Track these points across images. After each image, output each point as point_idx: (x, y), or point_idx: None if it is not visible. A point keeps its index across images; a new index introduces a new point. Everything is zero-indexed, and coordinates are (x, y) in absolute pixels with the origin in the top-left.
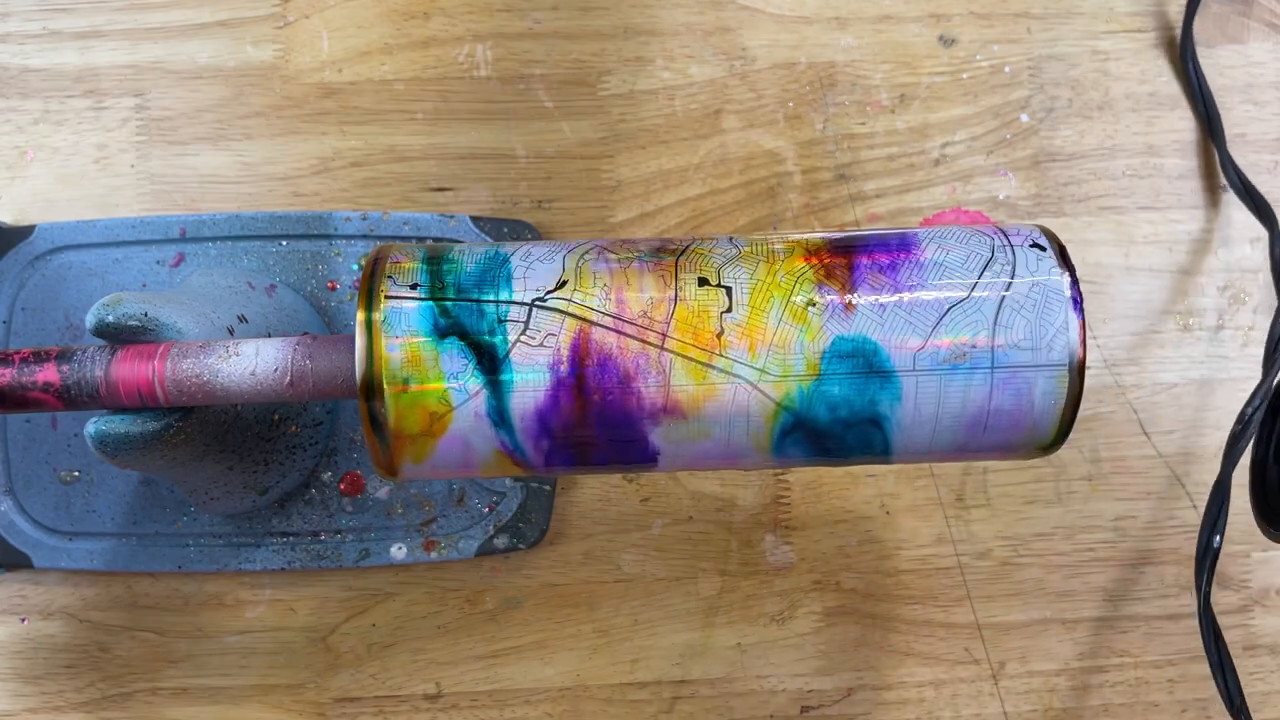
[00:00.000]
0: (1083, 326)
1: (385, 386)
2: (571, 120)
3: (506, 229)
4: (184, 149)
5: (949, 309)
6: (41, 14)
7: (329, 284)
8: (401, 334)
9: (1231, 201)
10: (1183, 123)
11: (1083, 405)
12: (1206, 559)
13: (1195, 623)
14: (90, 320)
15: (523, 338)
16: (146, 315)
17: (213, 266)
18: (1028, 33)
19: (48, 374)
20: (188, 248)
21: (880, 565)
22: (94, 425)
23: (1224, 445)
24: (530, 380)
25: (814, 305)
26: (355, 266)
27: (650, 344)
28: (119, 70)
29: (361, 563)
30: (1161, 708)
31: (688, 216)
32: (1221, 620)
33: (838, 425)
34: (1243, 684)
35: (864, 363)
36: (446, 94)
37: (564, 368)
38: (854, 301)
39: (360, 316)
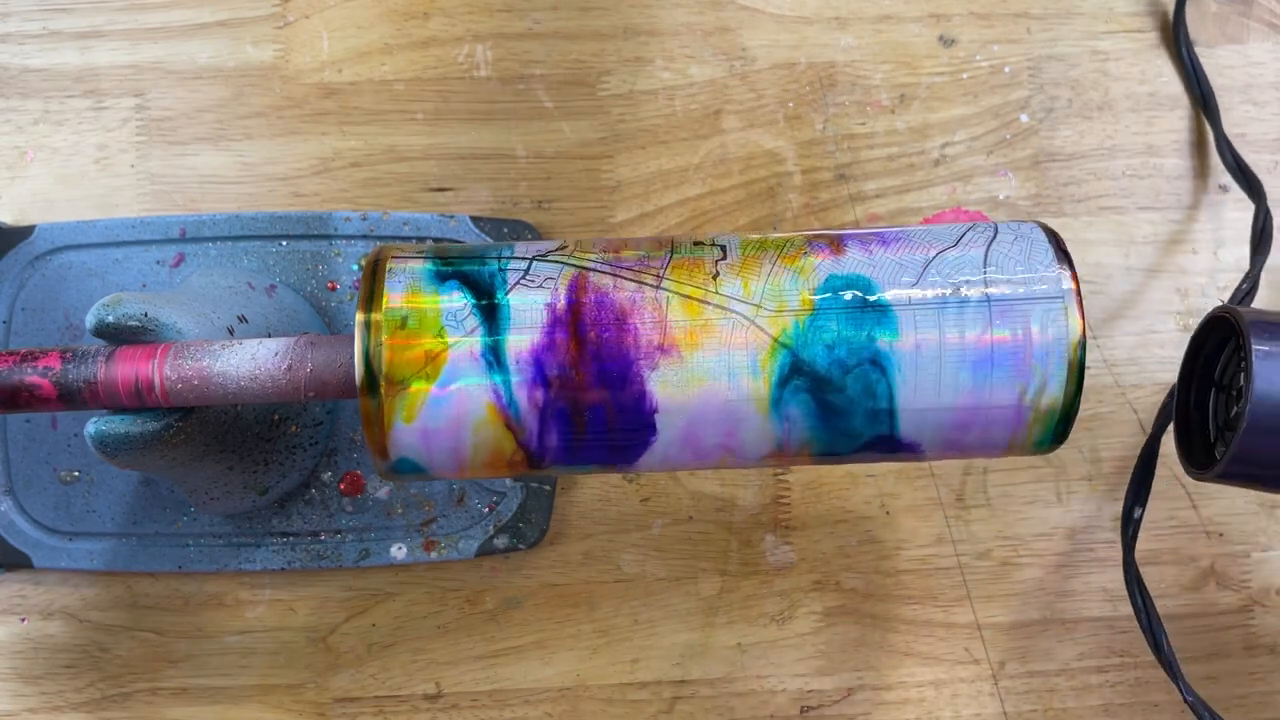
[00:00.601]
0: (1075, 278)
1: (382, 325)
2: (571, 120)
3: (506, 229)
4: (184, 149)
5: (937, 253)
6: (41, 14)
7: (329, 284)
8: (403, 280)
9: (1231, 201)
10: (1183, 122)
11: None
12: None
13: (1195, 623)
14: (90, 320)
15: (522, 281)
16: (146, 315)
17: (213, 266)
18: (1028, 33)
19: (48, 374)
20: (188, 248)
21: (880, 565)
22: (94, 425)
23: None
24: (527, 317)
25: (805, 254)
26: (355, 266)
27: (646, 284)
28: (119, 70)
29: (361, 563)
30: (1161, 708)
31: (688, 216)
32: (1221, 620)
33: (837, 368)
34: (1243, 684)
35: (858, 298)
36: (446, 94)
37: (560, 305)
38: (844, 248)
39: (360, 317)
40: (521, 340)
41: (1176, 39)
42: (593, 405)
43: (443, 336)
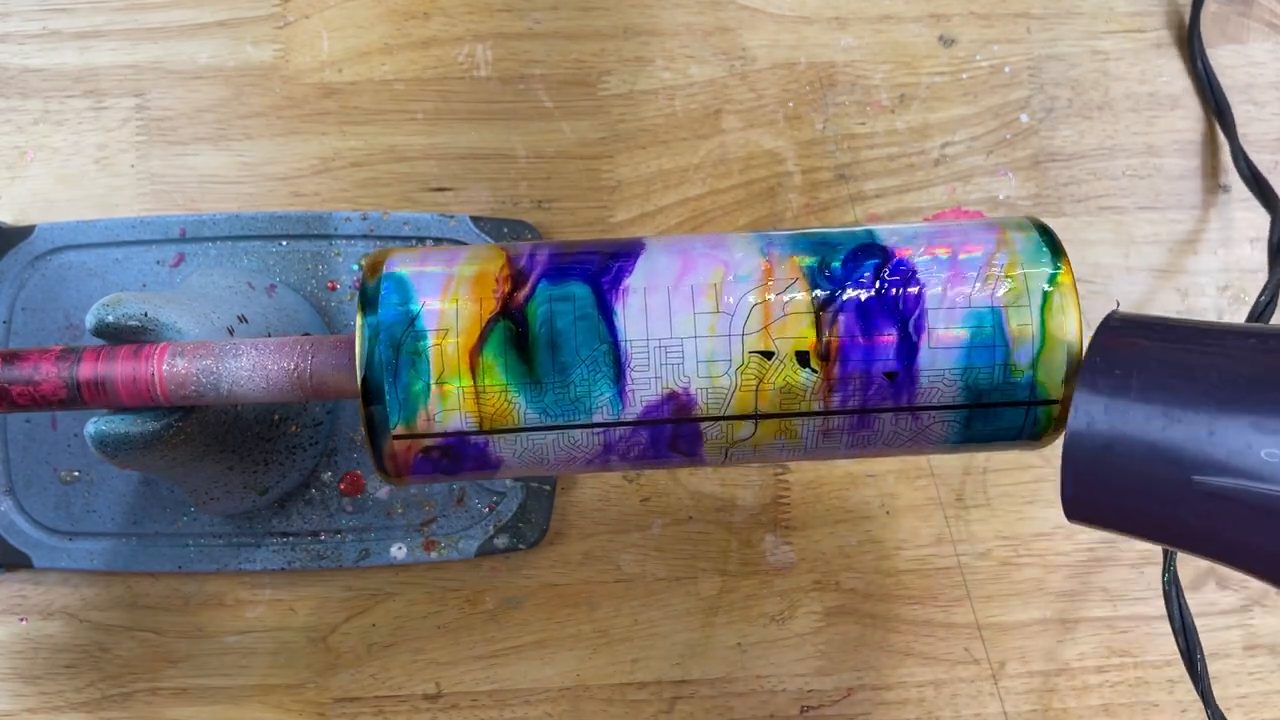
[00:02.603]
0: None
1: None
2: (571, 120)
3: (506, 229)
4: (184, 149)
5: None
6: (41, 14)
7: (329, 284)
8: None
9: (1231, 201)
10: (1183, 123)
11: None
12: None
13: (1196, 623)
14: (90, 320)
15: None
16: (146, 315)
17: (213, 266)
18: (1028, 33)
19: (48, 374)
20: (188, 248)
21: (880, 565)
22: (94, 425)
23: None
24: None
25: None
26: (355, 266)
27: None
28: (119, 70)
29: (361, 563)
30: (1161, 708)
31: (688, 216)
32: (1221, 620)
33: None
34: (1243, 684)
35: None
36: (446, 94)
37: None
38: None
39: (360, 318)
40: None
41: (1191, 50)
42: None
43: None
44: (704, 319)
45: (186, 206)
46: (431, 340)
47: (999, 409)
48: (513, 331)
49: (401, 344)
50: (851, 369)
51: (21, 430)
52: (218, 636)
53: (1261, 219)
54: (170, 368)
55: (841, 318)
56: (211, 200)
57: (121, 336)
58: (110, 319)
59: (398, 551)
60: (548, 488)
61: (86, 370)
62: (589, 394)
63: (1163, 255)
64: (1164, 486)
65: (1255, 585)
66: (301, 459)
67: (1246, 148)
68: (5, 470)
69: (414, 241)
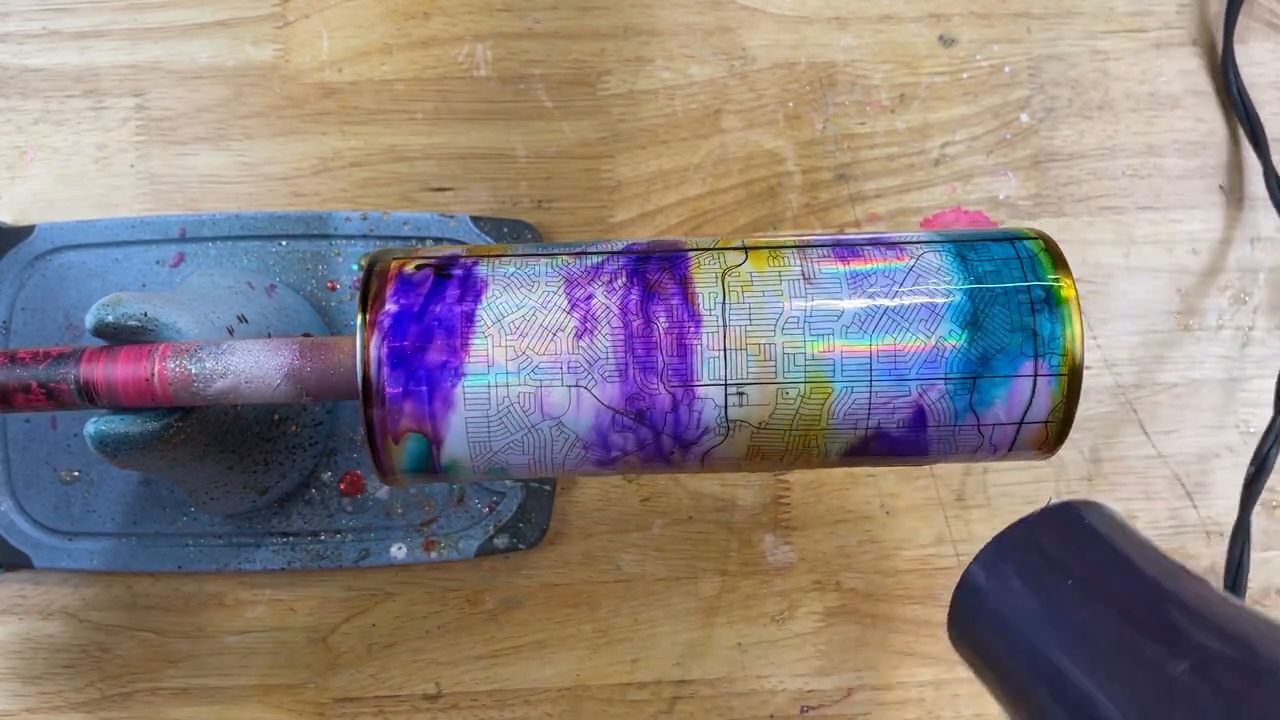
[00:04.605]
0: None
1: None
2: (571, 120)
3: (506, 229)
4: (184, 149)
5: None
6: (41, 14)
7: (329, 284)
8: None
9: (1231, 201)
10: (1183, 123)
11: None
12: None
13: None
14: (90, 320)
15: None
16: (146, 315)
17: (213, 266)
18: (1028, 33)
19: (47, 374)
20: (188, 248)
21: (880, 565)
22: (94, 425)
23: (1241, 484)
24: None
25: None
26: (355, 266)
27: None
28: (119, 70)
29: (361, 563)
30: None
31: (688, 216)
32: None
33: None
34: None
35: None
36: (446, 94)
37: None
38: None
39: (360, 318)
40: None
41: (1226, 79)
42: None
43: None
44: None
45: (186, 206)
46: None
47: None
48: None
49: None
50: None
51: (21, 430)
52: (218, 636)
53: (1262, 219)
54: (170, 368)
55: None
56: (211, 200)
57: (121, 336)
58: (110, 319)
59: (398, 551)
60: (548, 488)
61: (86, 370)
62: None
63: (1163, 255)
64: (1008, 666)
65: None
66: (301, 459)
67: (1246, 148)
68: (5, 470)
69: (414, 241)
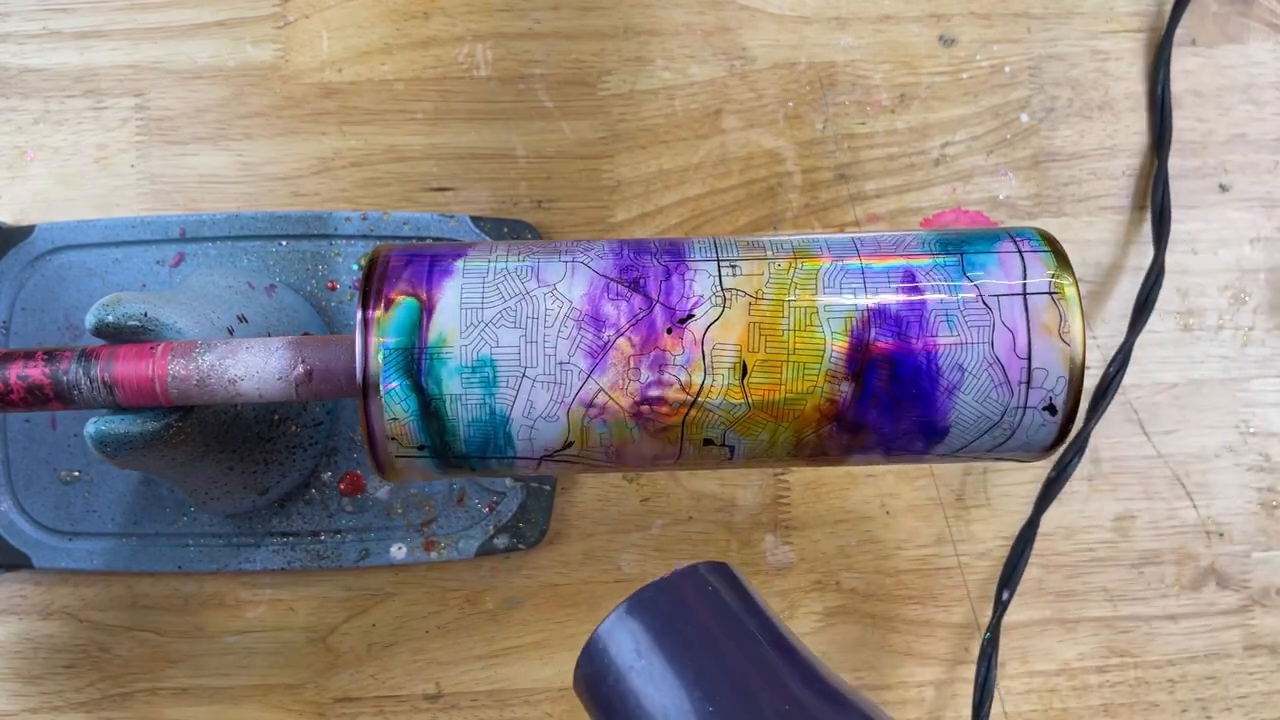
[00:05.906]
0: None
1: None
2: (571, 120)
3: (506, 229)
4: (184, 149)
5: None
6: (41, 14)
7: (329, 284)
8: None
9: (1231, 201)
10: (1183, 122)
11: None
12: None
13: (1195, 623)
14: (90, 320)
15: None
16: (146, 315)
17: (213, 266)
18: (1028, 33)
19: (47, 374)
20: (188, 248)
21: (880, 565)
22: (94, 425)
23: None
24: None
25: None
26: (355, 266)
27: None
28: (119, 70)
29: (361, 563)
30: (1162, 707)
31: (688, 216)
32: (1221, 620)
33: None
34: (1243, 684)
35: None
36: (446, 94)
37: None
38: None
39: (360, 316)
40: None
41: (1155, 78)
42: None
43: None
44: None
45: (186, 206)
46: None
47: None
48: None
49: None
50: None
51: (21, 430)
52: (218, 636)
53: (1262, 219)
54: (170, 367)
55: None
56: (211, 200)
57: (121, 336)
58: (110, 319)
59: (397, 551)
60: (548, 488)
61: (86, 370)
62: None
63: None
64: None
65: (1255, 585)
66: (301, 459)
67: (1247, 148)
68: (5, 470)
69: (414, 241)
